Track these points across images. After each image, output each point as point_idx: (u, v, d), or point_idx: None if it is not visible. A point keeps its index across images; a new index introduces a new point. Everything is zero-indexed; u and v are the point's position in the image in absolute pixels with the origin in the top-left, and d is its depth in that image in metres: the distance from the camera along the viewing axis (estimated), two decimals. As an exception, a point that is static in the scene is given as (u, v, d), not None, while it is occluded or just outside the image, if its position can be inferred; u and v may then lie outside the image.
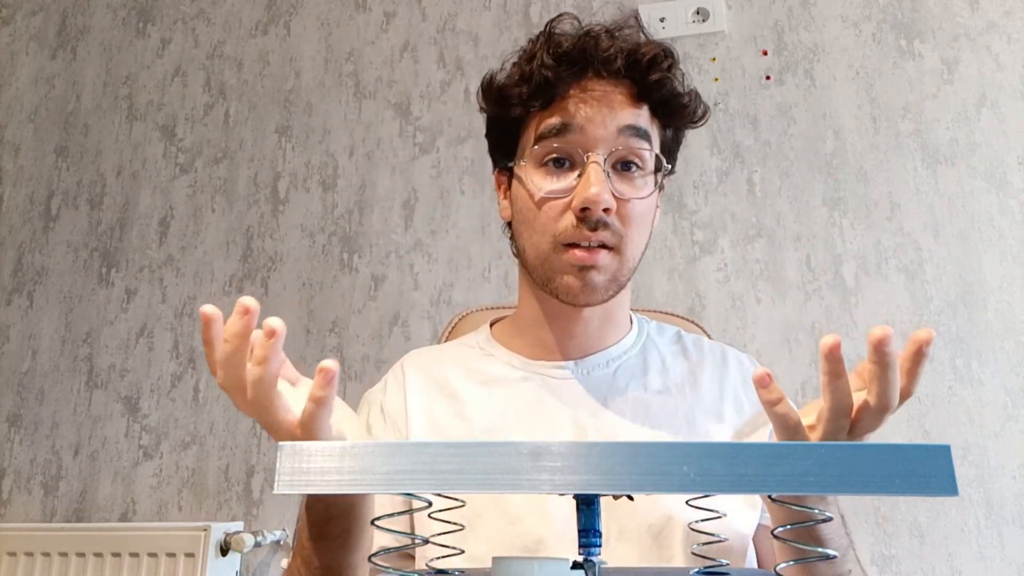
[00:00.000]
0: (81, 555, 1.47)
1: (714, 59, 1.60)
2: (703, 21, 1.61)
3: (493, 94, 0.75)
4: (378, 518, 0.40)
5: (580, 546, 0.35)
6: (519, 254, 0.76)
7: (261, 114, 1.80)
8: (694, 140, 1.57)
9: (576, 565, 0.34)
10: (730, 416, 0.72)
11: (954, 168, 1.45)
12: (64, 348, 1.74)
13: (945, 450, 0.29)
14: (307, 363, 1.60)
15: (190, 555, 1.40)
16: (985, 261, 1.39)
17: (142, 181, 1.83)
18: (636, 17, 0.75)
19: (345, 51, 1.80)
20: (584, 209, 0.66)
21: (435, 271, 1.61)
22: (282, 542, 1.49)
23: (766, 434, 0.71)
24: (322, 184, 1.72)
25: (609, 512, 0.65)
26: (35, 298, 1.80)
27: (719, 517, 0.44)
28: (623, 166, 0.70)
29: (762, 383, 0.47)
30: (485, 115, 0.79)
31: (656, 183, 0.72)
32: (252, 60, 1.85)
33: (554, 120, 0.70)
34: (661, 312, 0.93)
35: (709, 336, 0.89)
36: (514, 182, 0.75)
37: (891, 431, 1.34)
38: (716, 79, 1.59)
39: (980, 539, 1.27)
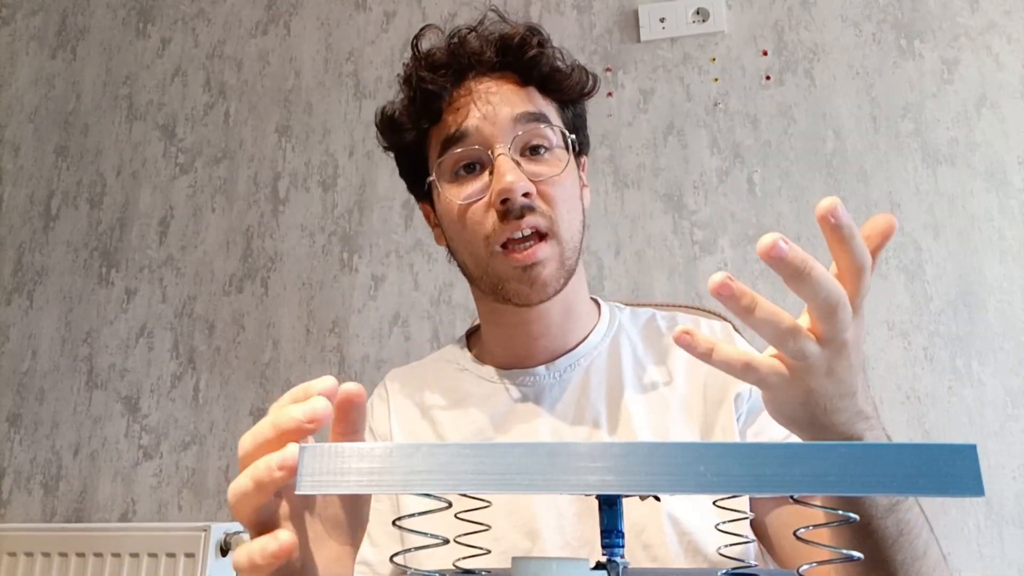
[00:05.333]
0: (81, 555, 1.47)
1: (714, 59, 1.60)
2: (703, 21, 1.61)
3: (385, 124, 0.75)
4: (399, 518, 0.40)
5: (603, 546, 0.34)
6: (464, 269, 0.74)
7: (261, 114, 1.80)
8: (694, 140, 1.57)
9: (599, 565, 0.34)
10: (701, 393, 0.71)
11: (954, 168, 1.45)
12: (64, 348, 1.74)
13: (971, 449, 0.28)
14: (307, 363, 1.60)
15: (190, 555, 1.40)
16: (985, 261, 1.39)
17: (142, 181, 1.83)
18: (494, 9, 0.75)
19: (345, 51, 1.80)
20: (504, 201, 0.65)
21: (435, 271, 1.61)
22: (282, 542, 1.49)
23: (730, 406, 0.69)
24: (322, 184, 1.72)
25: (593, 515, 0.64)
26: (35, 298, 1.80)
27: (746, 518, 0.43)
28: (531, 151, 0.69)
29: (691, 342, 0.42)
30: (392, 152, 0.78)
31: (568, 159, 0.71)
32: (252, 60, 1.85)
33: (449, 130, 0.69)
34: (673, 305, 0.91)
35: (735, 326, 0.85)
36: (436, 204, 0.74)
37: (890, 430, 1.33)
38: (716, 79, 1.59)
39: (980, 539, 1.27)
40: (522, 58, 0.71)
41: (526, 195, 0.65)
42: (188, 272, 1.73)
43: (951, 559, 1.26)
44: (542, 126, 0.70)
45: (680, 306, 0.91)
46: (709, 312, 0.91)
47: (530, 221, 0.66)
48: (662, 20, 1.62)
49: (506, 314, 0.72)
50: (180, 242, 1.76)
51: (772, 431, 0.68)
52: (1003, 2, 1.51)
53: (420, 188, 0.76)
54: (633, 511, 0.63)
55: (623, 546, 0.35)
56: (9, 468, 1.69)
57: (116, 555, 1.45)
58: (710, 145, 1.56)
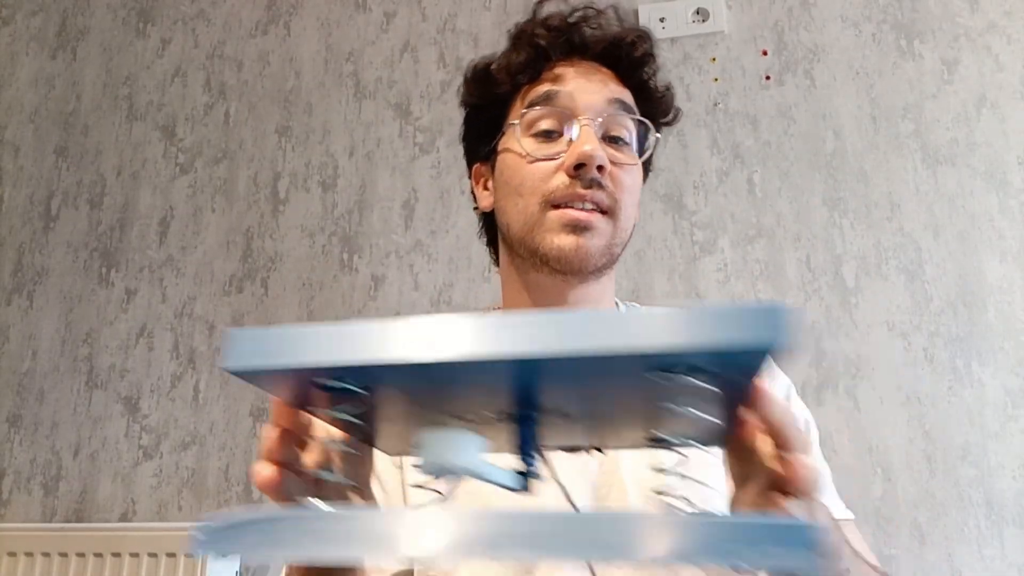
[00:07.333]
0: (81, 555, 1.47)
1: (714, 59, 1.60)
2: (703, 21, 1.61)
3: (479, 76, 0.75)
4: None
5: (521, 458, 0.39)
6: (505, 232, 0.72)
7: (261, 114, 1.80)
8: (694, 140, 1.57)
9: (520, 474, 0.39)
10: None
11: (954, 168, 1.45)
12: (64, 348, 1.74)
13: (781, 309, 0.29)
14: (307, 363, 1.60)
15: (190, 555, 1.40)
16: (985, 261, 1.39)
17: (142, 181, 1.83)
18: (615, 8, 0.75)
19: (345, 51, 1.80)
20: (579, 167, 0.65)
21: (435, 271, 1.61)
22: (282, 542, 1.49)
23: None
24: (322, 184, 1.72)
25: None
26: (35, 298, 1.80)
27: (684, 457, 0.44)
28: (610, 139, 0.69)
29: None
30: (465, 109, 0.78)
31: (639, 162, 0.72)
32: (252, 60, 1.85)
33: (544, 87, 0.69)
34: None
35: None
36: (498, 160, 0.73)
37: (890, 430, 1.34)
38: (716, 79, 1.59)
39: (980, 539, 1.27)
40: (630, 56, 0.72)
41: (599, 169, 0.65)
42: (188, 272, 1.73)
43: (951, 559, 1.26)
44: (629, 117, 0.70)
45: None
46: None
47: (595, 196, 0.66)
48: (662, 20, 1.62)
49: (538, 289, 0.71)
50: (180, 242, 1.76)
51: None
52: (1003, 2, 1.51)
53: (482, 147, 0.76)
54: None
55: (535, 459, 0.39)
56: (9, 468, 1.69)
57: (116, 555, 1.45)
58: (710, 145, 1.56)
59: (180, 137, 1.84)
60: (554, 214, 0.66)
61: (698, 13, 1.62)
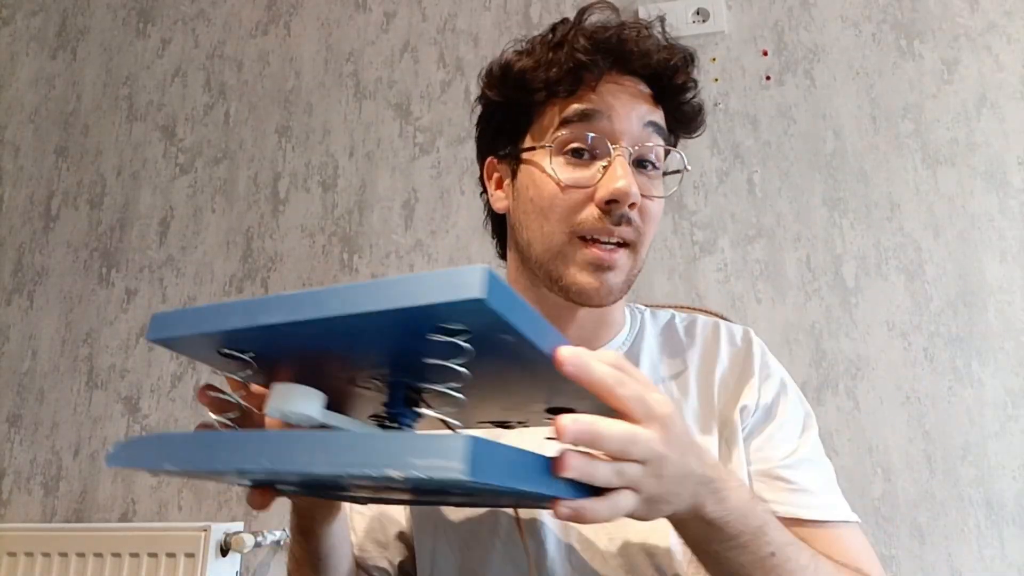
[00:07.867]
0: (81, 555, 1.47)
1: (714, 59, 1.60)
2: (703, 21, 1.61)
3: (511, 78, 0.71)
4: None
5: (390, 419, 0.44)
6: (523, 247, 0.71)
7: (261, 114, 1.80)
8: (693, 140, 1.56)
9: (384, 426, 0.45)
10: (713, 403, 0.70)
11: (954, 168, 1.45)
12: (64, 348, 1.74)
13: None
14: (307, 363, 1.60)
15: (190, 555, 1.40)
16: (985, 261, 1.39)
17: (142, 181, 1.83)
18: (661, 19, 0.73)
19: (345, 51, 1.80)
20: (611, 202, 0.64)
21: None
22: (282, 542, 1.49)
23: (738, 416, 0.68)
24: (322, 184, 1.72)
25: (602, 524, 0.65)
26: (35, 298, 1.80)
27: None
28: (640, 163, 0.68)
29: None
30: (487, 100, 0.75)
31: (667, 194, 0.71)
32: (252, 60, 1.85)
33: (581, 105, 0.67)
34: (676, 306, 0.90)
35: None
36: (522, 169, 0.71)
37: (890, 430, 1.34)
38: (716, 79, 1.59)
39: (980, 539, 1.27)
40: (671, 78, 0.70)
41: (631, 205, 0.64)
42: (188, 272, 1.73)
43: (951, 559, 1.26)
44: (661, 143, 0.69)
45: (684, 307, 0.91)
46: (713, 313, 0.91)
47: (623, 232, 0.65)
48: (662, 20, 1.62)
49: (546, 303, 0.70)
50: (180, 242, 1.76)
51: (773, 448, 0.67)
52: (1003, 2, 1.51)
53: (501, 144, 0.74)
54: (650, 526, 0.63)
55: (412, 421, 0.44)
56: (9, 468, 1.69)
57: (116, 555, 1.45)
58: (710, 145, 1.56)
59: (180, 137, 1.84)
60: (581, 249, 0.65)
61: (698, 13, 1.62)
